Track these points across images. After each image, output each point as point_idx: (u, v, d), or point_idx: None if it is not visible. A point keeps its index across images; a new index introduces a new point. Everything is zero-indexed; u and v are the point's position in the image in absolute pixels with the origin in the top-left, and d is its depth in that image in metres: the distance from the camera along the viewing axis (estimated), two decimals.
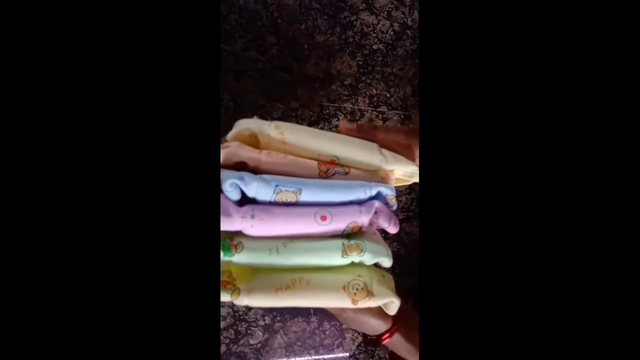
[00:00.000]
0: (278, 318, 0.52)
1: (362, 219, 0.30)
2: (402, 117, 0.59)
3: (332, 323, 0.54)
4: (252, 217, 0.28)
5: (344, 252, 0.29)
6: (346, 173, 0.31)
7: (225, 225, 0.29)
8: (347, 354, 0.54)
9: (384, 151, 0.32)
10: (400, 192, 0.59)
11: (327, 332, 0.54)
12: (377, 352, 0.56)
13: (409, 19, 0.59)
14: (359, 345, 0.55)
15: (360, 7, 0.57)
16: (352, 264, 0.30)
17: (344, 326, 0.54)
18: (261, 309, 0.51)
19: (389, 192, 0.31)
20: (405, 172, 0.34)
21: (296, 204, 0.29)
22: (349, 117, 0.57)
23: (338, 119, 0.56)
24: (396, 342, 0.36)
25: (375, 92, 0.58)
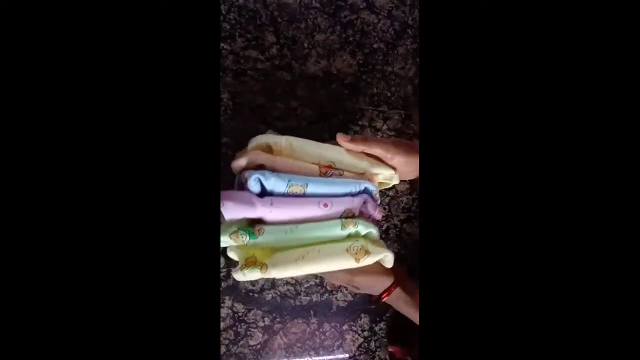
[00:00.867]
0: (278, 319, 0.52)
1: (355, 206, 0.39)
2: (402, 116, 0.58)
3: (332, 324, 0.54)
4: (271, 204, 0.37)
5: (343, 226, 0.38)
6: (340, 175, 0.41)
7: (250, 212, 0.37)
8: (347, 355, 0.54)
9: (369, 159, 0.42)
10: (401, 192, 0.59)
11: (327, 334, 0.54)
12: (377, 353, 0.56)
13: (410, 18, 0.59)
14: (359, 346, 0.55)
15: (361, 6, 0.57)
16: (350, 235, 0.39)
17: (344, 327, 0.54)
18: (261, 310, 0.51)
19: (373, 189, 0.41)
20: (385, 176, 0.44)
21: (304, 195, 0.38)
22: (349, 117, 0.56)
23: (338, 118, 0.56)
24: (395, 297, 0.44)
25: (375, 91, 0.58)
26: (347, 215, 0.39)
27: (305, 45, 0.55)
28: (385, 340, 0.56)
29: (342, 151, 0.41)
